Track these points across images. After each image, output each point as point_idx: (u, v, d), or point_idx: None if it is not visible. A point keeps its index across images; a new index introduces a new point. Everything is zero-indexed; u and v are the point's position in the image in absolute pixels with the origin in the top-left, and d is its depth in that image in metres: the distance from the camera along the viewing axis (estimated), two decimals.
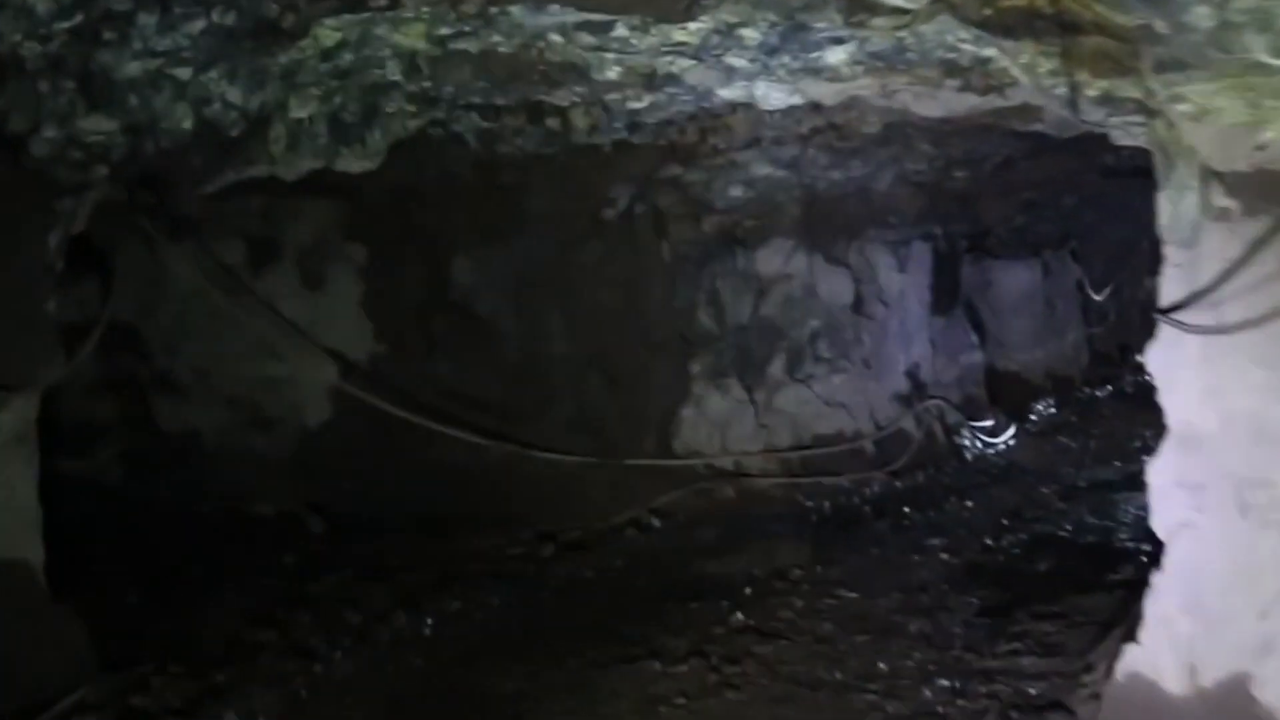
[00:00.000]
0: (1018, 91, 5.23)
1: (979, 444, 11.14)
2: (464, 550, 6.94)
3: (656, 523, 7.68)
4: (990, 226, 12.03)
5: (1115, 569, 6.59)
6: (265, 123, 5.49)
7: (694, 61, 4.81)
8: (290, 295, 7.73)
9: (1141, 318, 16.28)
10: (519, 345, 7.98)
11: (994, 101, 5.51)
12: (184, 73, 4.29)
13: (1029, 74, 4.06)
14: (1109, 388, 15.54)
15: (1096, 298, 15.81)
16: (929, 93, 5.37)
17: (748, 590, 6.31)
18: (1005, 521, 8.00)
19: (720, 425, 8.71)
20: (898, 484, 9.26)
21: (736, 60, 4.77)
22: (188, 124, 4.54)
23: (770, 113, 6.27)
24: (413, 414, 7.18)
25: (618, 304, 8.17)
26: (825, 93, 5.30)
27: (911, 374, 10.55)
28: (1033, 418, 13.09)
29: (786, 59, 4.71)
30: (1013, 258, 13.42)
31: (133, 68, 4.15)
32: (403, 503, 7.46)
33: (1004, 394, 12.78)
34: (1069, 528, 7.91)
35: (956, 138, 7.94)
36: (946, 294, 11.31)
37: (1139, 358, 15.63)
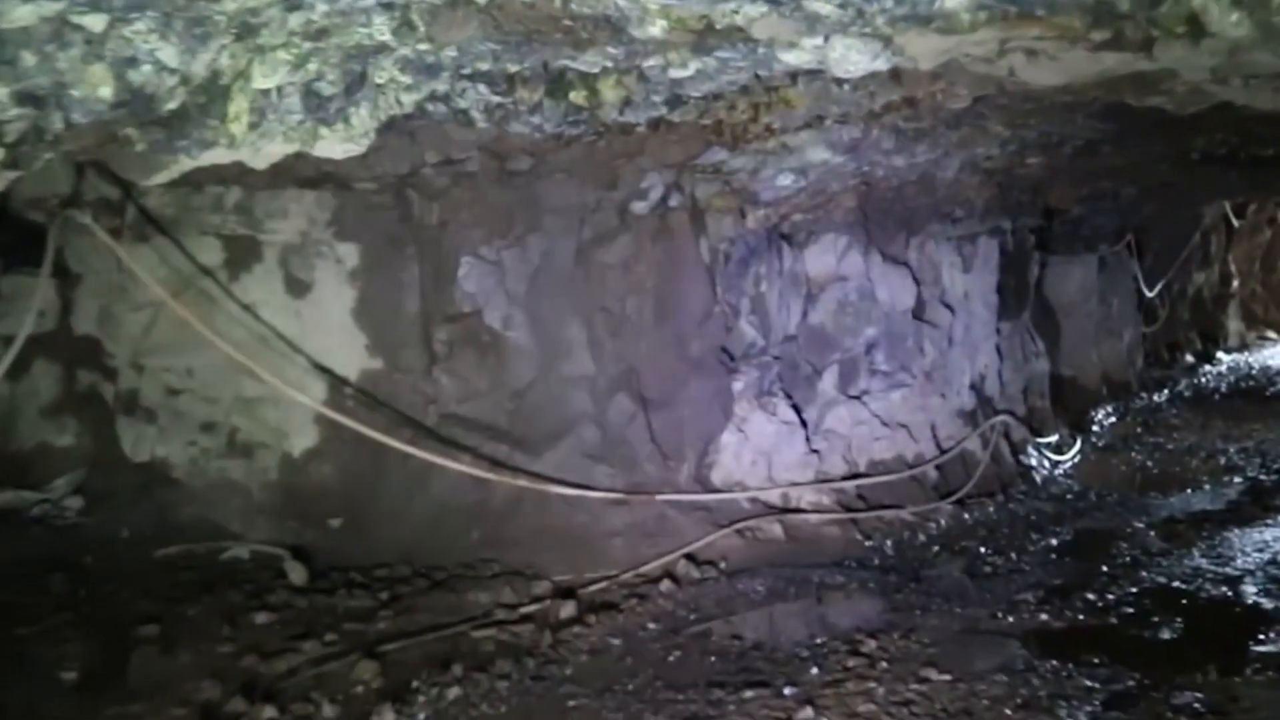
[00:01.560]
0: (1173, 50, 4.20)
1: (1046, 463, 10.41)
2: (467, 606, 6.07)
3: (695, 573, 6.73)
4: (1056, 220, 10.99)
5: (1261, 635, 5.73)
6: (222, 95, 4.45)
7: (767, 7, 3.75)
8: (272, 303, 6.91)
9: (1192, 315, 17.47)
10: (534, 361, 7.11)
11: (1133, 63, 4.66)
12: (96, 22, 3.25)
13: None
14: (1166, 392, 15.00)
15: (1149, 294, 15.45)
16: (1055, 50, 4.50)
17: (814, 670, 5.32)
18: (1104, 569, 7.02)
19: (766, 452, 7.88)
20: (966, 516, 8.45)
21: (823, 5, 3.71)
22: (107, 91, 3.51)
23: (842, 83, 5.47)
24: (410, 442, 6.41)
25: (649, 312, 7.36)
26: (924, 51, 4.36)
27: (976, 387, 9.87)
28: (1095, 429, 12.43)
29: (889, 3, 3.67)
30: (1068, 253, 12.78)
31: (24, 13, 3.10)
32: (398, 545, 6.68)
33: (1061, 403, 12.27)
34: (1184, 576, 6.96)
35: (1036, 117, 7.16)
36: (1015, 296, 10.63)
37: (1189, 358, 14.78)
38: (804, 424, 8.06)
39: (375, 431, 6.18)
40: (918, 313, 9.13)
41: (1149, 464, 10.94)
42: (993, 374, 10.25)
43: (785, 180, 7.36)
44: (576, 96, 5.24)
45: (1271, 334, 20.20)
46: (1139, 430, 12.59)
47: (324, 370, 6.88)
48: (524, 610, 6.03)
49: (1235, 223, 18.51)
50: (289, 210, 6.88)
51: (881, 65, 4.76)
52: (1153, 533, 7.95)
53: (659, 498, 7.11)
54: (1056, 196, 10.37)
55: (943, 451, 9.06)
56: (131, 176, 5.04)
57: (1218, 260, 18.42)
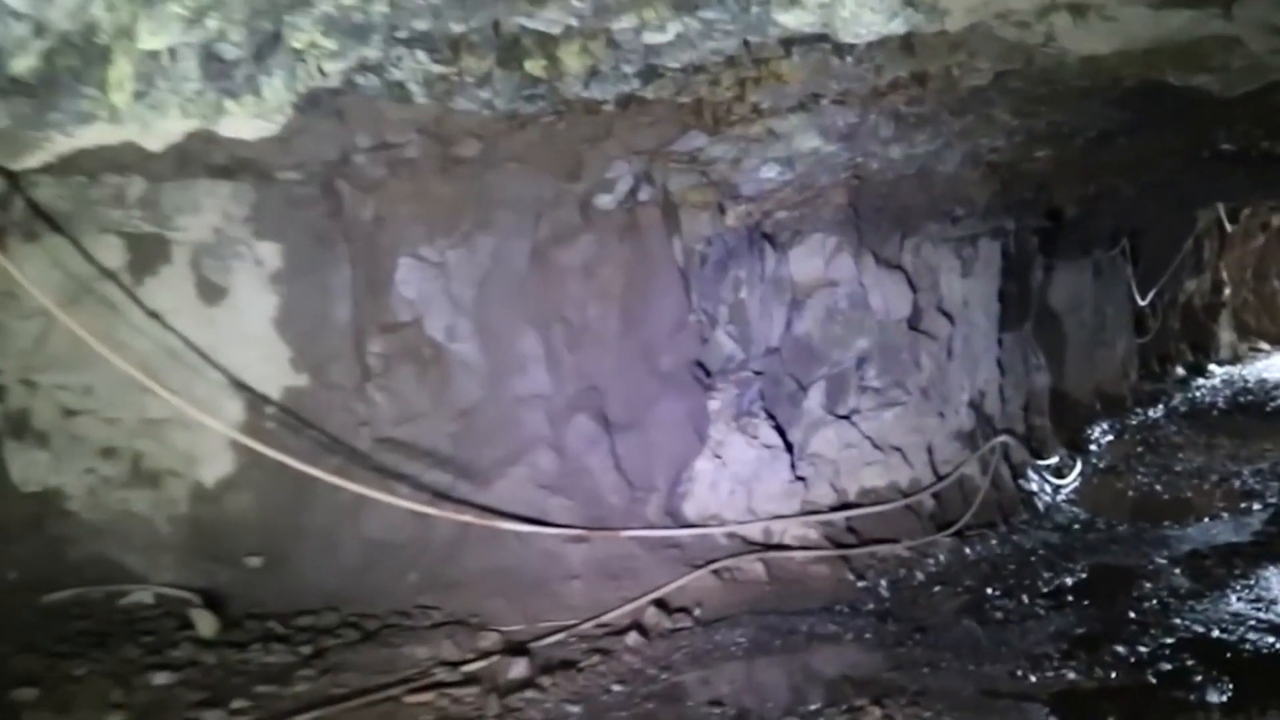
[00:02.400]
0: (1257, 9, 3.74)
1: (1047, 488, 9.95)
2: (402, 663, 5.42)
3: (667, 622, 6.10)
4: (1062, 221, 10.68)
5: None
6: (100, 56, 3.87)
7: None
8: (183, 310, 6.21)
9: (1182, 325, 17.33)
10: (482, 377, 6.49)
11: (1203, 25, 4.36)
12: None
13: None
14: (1160, 407, 14.87)
15: (1141, 303, 15.36)
16: (1114, 7, 4.11)
17: None
18: (1131, 614, 6.50)
19: (746, 481, 7.30)
20: (968, 551, 7.90)
21: None
22: None
23: (845, 53, 4.97)
24: (339, 470, 5.84)
25: (614, 321, 6.79)
26: (958, 5, 3.66)
27: (975, 405, 9.37)
28: (1093, 449, 12.11)
29: None
30: (1063, 257, 12.44)
31: None
32: (324, 590, 6.03)
33: (1056, 419, 11.91)
34: (1223, 624, 6.39)
35: (1048, 104, 6.79)
36: (1017, 304, 10.21)
37: (1180, 370, 14.37)
38: (788, 448, 7.51)
39: (299, 460, 5.57)
40: (914, 322, 8.66)
41: (1157, 488, 10.56)
42: (993, 390, 9.77)
43: (770, 172, 6.83)
44: (533, 66, 4.67)
45: (1264, 345, 20.10)
46: (1140, 450, 12.28)
47: (242, 387, 6.24)
48: (468, 669, 5.40)
49: (1229, 227, 18.42)
50: (201, 204, 6.20)
51: (898, 28, 4.25)
52: (1178, 570, 7.46)
53: (624, 534, 6.56)
54: (1062, 194, 9.97)
55: (940, 477, 8.53)
56: None
57: (1210, 267, 18.34)
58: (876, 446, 8.14)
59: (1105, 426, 12.96)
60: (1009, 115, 7.04)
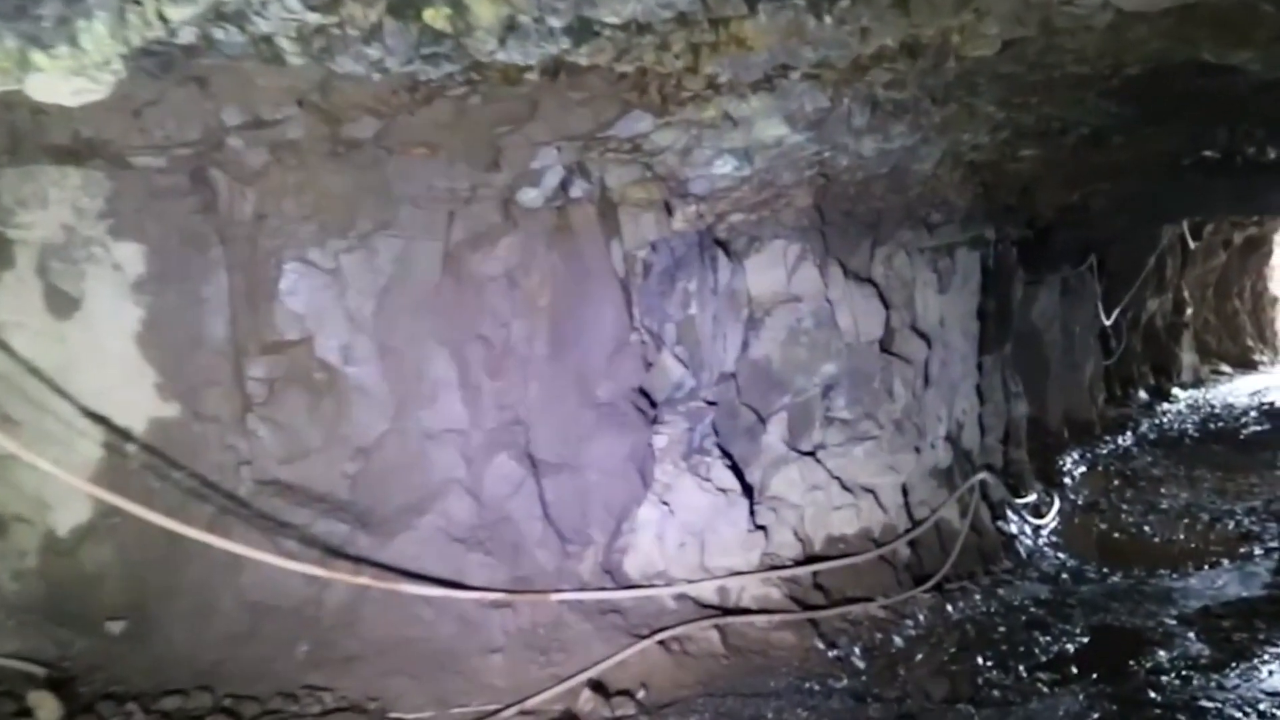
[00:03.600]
0: None
1: (1027, 529, 9.49)
2: None
3: (605, 709, 5.32)
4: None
5: None
6: None
7: None
8: (27, 325, 5.47)
9: (1144, 346, 17.56)
10: (385, 407, 5.77)
11: None
12: None
13: None
14: (1129, 434, 14.65)
15: (1106, 322, 15.23)
16: None
17: None
18: (1150, 694, 5.82)
19: (698, 531, 6.57)
20: (950, 609, 7.31)
21: None
22: None
23: (827, 7, 4.29)
24: (214, 519, 5.27)
25: (542, 341, 6.06)
26: None
27: (953, 438, 8.85)
28: (1067, 481, 11.77)
29: None
30: (1032, 272, 12.05)
31: None
32: (196, 664, 5.30)
33: (1030, 450, 11.46)
34: (1263, 709, 5.64)
35: (1040, 95, 6.44)
36: (997, 323, 9.74)
37: (1143, 394, 13.81)
38: (746, 491, 6.79)
39: (166, 506, 4.93)
40: (886, 344, 8.13)
41: (1146, 529, 10.23)
42: (972, 421, 9.32)
43: (725, 166, 6.14)
44: (434, 16, 3.86)
45: (1226, 368, 19.98)
46: (1118, 483, 11.96)
47: (98, 419, 5.49)
48: None
49: (1192, 244, 18.34)
50: (48, 196, 5.43)
51: None
52: (1193, 634, 6.90)
53: (554, 597, 5.83)
54: (1047, 200, 9.63)
55: (917, 522, 7.98)
56: None
57: (1172, 285, 18.21)
58: (846, 488, 7.52)
59: (1076, 456, 12.69)
60: (995, 107, 6.61)
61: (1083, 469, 12.34)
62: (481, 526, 5.85)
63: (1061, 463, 12.15)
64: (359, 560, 5.48)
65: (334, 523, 5.56)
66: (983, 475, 8.78)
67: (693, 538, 6.54)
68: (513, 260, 5.89)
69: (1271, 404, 16.44)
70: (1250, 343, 21.35)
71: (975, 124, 6.87)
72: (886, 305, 8.05)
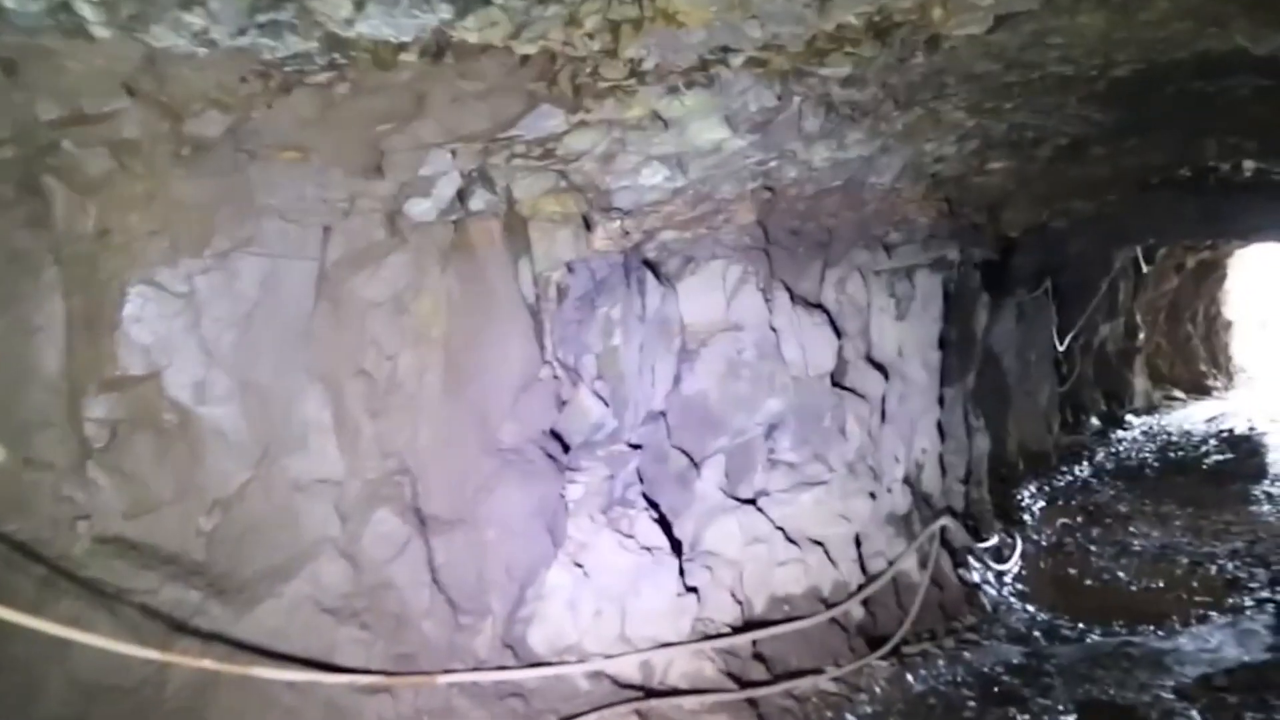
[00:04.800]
0: None
1: (990, 577, 8.95)
2: None
3: None
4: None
5: None
6: None
7: None
8: None
9: (1096, 372, 17.41)
10: (247, 454, 5.00)
11: None
12: None
13: None
14: (1085, 465, 14.40)
15: (1059, 348, 15.04)
16: None
17: None
18: None
19: (618, 597, 5.87)
20: (910, 679, 6.69)
21: None
22: None
23: None
24: (43, 583, 4.47)
25: (435, 376, 5.31)
26: None
27: (912, 481, 8.29)
28: (1027, 518, 11.30)
29: None
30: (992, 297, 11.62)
31: None
32: None
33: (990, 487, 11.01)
34: None
35: (1014, 98, 6.05)
36: (959, 353, 9.29)
37: (1095, 421, 13.30)
38: (675, 547, 6.12)
39: None
40: (838, 377, 7.54)
41: (1120, 575, 9.61)
42: (932, 461, 8.73)
43: (655, 176, 5.47)
44: None
45: (1179, 393, 19.85)
46: (1081, 520, 11.48)
47: None
48: None
49: (1145, 268, 18.24)
50: None
51: None
52: (1195, 712, 6.23)
53: (442, 679, 5.08)
54: (1014, 219, 9.32)
55: (871, 577, 7.34)
56: None
57: (1124, 310, 18.12)
58: (791, 540, 6.90)
59: (1034, 490, 12.36)
60: (964, 112, 6.17)
61: (1042, 504, 11.96)
62: (357, 594, 5.12)
63: (1020, 498, 11.74)
64: (210, 636, 4.71)
65: (184, 589, 4.76)
66: (944, 521, 8.24)
67: (611, 604, 5.86)
68: (401, 282, 5.16)
69: (1230, 431, 16.17)
70: (1203, 368, 21.25)
71: (941, 132, 6.40)
72: (838, 334, 7.51)
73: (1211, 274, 21.46)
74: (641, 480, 6.18)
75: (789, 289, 7.08)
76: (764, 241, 6.72)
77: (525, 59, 3.92)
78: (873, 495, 7.69)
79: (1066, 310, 14.97)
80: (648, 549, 5.95)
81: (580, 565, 5.77)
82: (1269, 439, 15.55)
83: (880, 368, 8.01)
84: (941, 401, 8.99)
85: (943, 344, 8.97)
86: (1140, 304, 18.84)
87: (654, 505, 6.17)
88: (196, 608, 4.76)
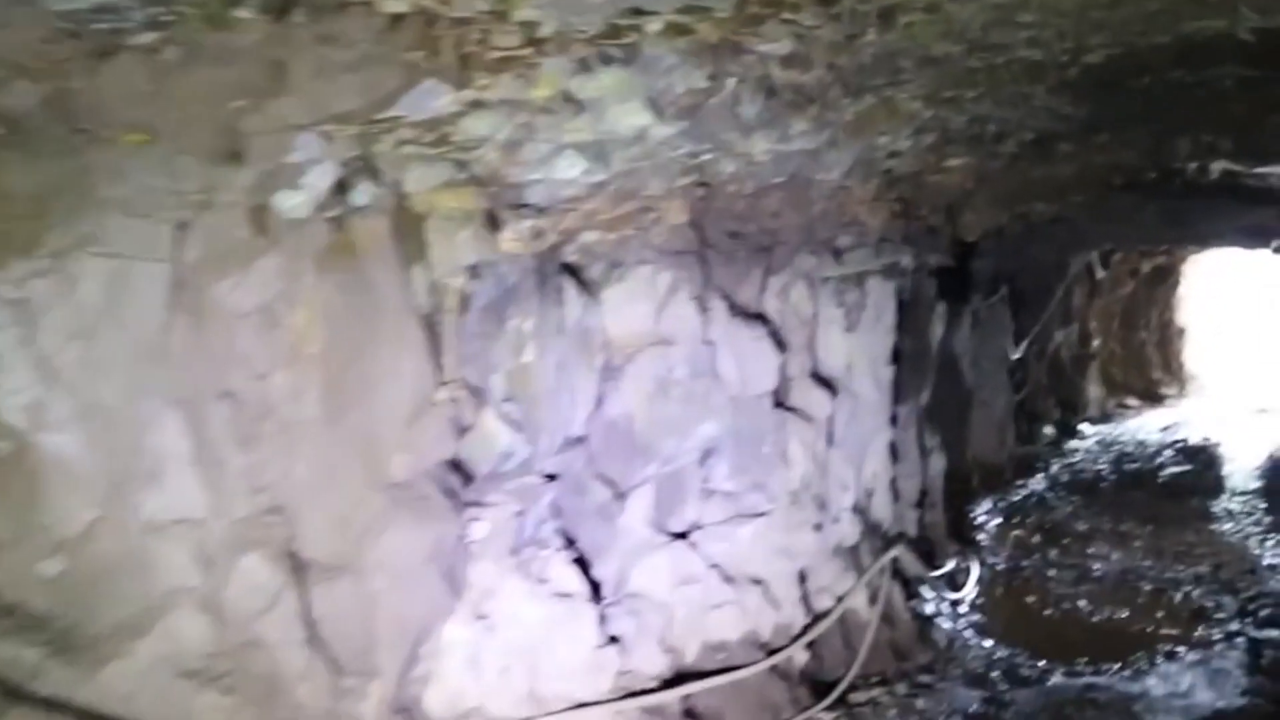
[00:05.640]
0: None
1: (945, 608, 8.48)
2: None
3: None
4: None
5: None
6: None
7: None
8: None
9: (1050, 379, 16.97)
10: (92, 490, 4.32)
11: None
12: None
13: None
14: (1041, 478, 14.00)
15: (1014, 356, 14.58)
16: None
17: None
18: None
19: (528, 650, 5.20)
20: None
21: None
22: None
23: None
24: None
25: (312, 399, 4.61)
26: None
27: (861, 509, 7.77)
28: (982, 538, 10.87)
29: None
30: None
31: None
32: None
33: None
34: None
35: (977, 87, 5.65)
36: (913, 368, 8.84)
37: (1049, 430, 13.13)
38: (595, 591, 5.48)
39: None
40: (781, 396, 6.97)
41: (1081, 604, 9.23)
42: (884, 486, 8.20)
43: (571, 169, 4.80)
44: None
45: (1132, 401, 19.69)
46: (1039, 540, 11.09)
47: None
48: None
49: (1100, 273, 18.23)
50: None
51: None
52: None
53: None
54: (973, 221, 8.83)
55: (816, 616, 6.82)
56: None
57: (1079, 316, 18.03)
58: (728, 579, 6.33)
59: (990, 506, 11.97)
60: (921, 102, 5.73)
61: (998, 521, 11.56)
62: (221, 654, 4.40)
63: (974, 515, 11.34)
64: (51, 704, 4.02)
65: (20, 646, 4.05)
66: (898, 551, 7.77)
67: (520, 660, 5.19)
68: (271, 290, 4.42)
69: (1185, 441, 16.08)
70: (1157, 375, 21.23)
71: (896, 124, 5.95)
72: (782, 348, 6.93)
73: (1166, 280, 21.45)
74: (558, 516, 5.51)
75: (727, 298, 6.49)
76: (699, 245, 6.09)
77: (397, 20, 3.30)
78: (818, 526, 7.18)
79: (1021, 317, 14.68)
80: (563, 595, 5.31)
81: (484, 616, 5.09)
82: (1224, 450, 15.53)
83: (827, 385, 7.50)
84: (894, 420, 8.51)
85: (896, 357, 8.55)
86: (1095, 310, 18.71)
87: (571, 543, 5.51)
88: (35, 669, 4.08)
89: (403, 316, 4.71)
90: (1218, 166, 8.96)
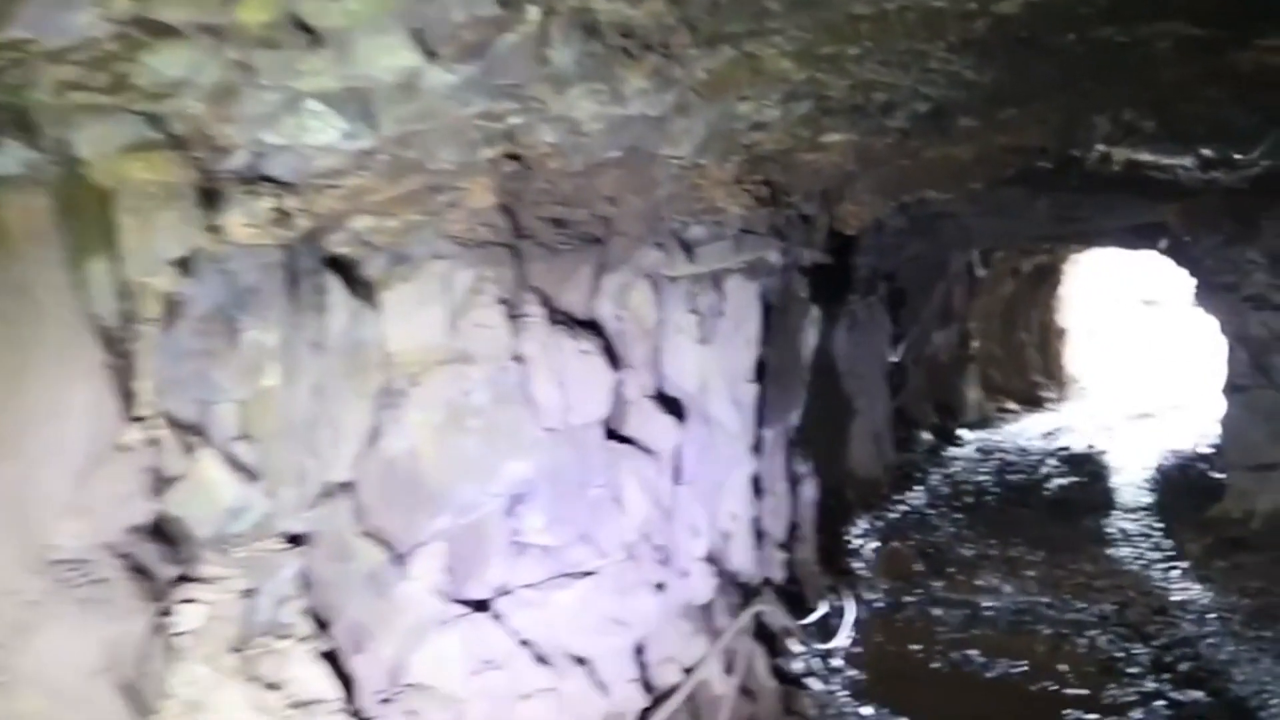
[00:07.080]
0: None
1: (816, 664, 7.57)
2: None
3: None
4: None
5: None
6: None
7: None
8: None
9: (928, 382, 16.91)
10: None
11: None
12: None
13: None
14: (920, 490, 13.66)
15: (893, 359, 14.64)
16: None
17: None
18: None
19: None
20: None
21: None
22: None
23: None
24: None
25: None
26: None
27: (717, 557, 6.83)
28: (858, 568, 10.21)
29: None
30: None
31: None
32: None
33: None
34: None
35: (863, 42, 4.84)
36: (780, 384, 7.93)
37: (927, 436, 12.89)
38: (354, 691, 4.22)
39: None
40: (615, 425, 5.99)
41: (972, 653, 8.35)
42: (744, 528, 7.26)
43: (324, 131, 3.62)
44: None
45: (1012, 405, 19.92)
46: (921, 568, 10.43)
47: None
48: None
49: (980, 272, 18.17)
50: None
51: None
52: None
53: None
54: (854, 211, 8.08)
55: (658, 697, 5.78)
56: None
57: (958, 316, 18.00)
58: (542, 659, 5.22)
59: (867, 527, 11.60)
60: (792, 61, 4.85)
61: (875, 544, 10.95)
62: None
63: (850, 539, 10.87)
64: None
65: None
66: (760, 607, 6.91)
67: None
68: None
69: (1069, 449, 16.16)
70: (1037, 378, 21.47)
71: (761, 86, 5.12)
72: (616, 364, 5.96)
73: (1047, 279, 21.66)
74: (306, 590, 4.19)
75: (547, 302, 5.43)
76: (510, 235, 5.00)
77: None
78: (660, 585, 6.23)
79: (899, 317, 14.45)
80: (304, 704, 3.98)
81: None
82: (1109, 458, 15.52)
83: (675, 409, 6.56)
84: (758, 447, 7.60)
85: (761, 373, 7.72)
86: (974, 310, 18.66)
87: (323, 627, 4.22)
88: None
89: (72, 329, 3.42)
90: (1123, 156, 8.46)
